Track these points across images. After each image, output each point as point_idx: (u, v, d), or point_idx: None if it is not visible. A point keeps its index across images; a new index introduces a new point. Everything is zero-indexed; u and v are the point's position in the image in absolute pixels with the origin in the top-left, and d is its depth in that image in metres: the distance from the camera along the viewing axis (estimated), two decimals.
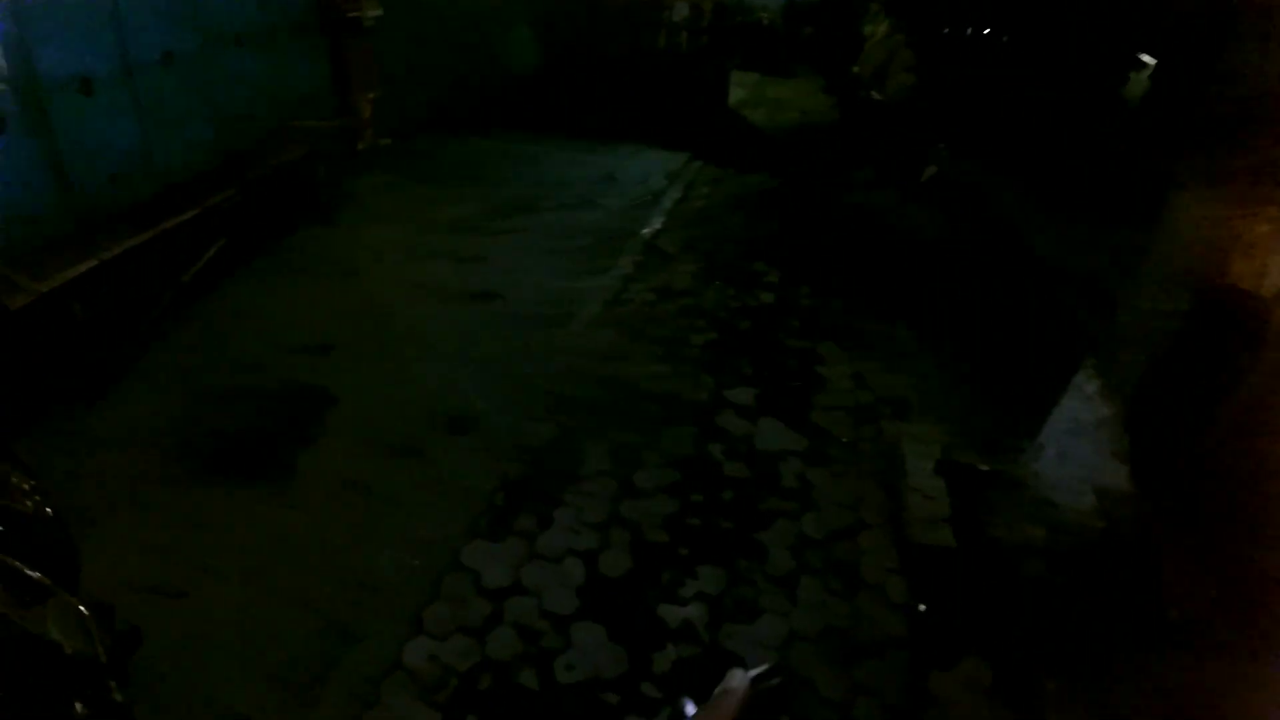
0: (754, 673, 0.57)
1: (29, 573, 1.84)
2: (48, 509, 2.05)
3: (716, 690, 0.55)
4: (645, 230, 4.50)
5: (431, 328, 3.43)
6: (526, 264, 4.06)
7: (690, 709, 0.55)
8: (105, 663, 1.92)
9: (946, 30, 5.71)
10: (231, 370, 3.11)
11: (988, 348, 3.40)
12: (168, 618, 2.15)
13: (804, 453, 2.86)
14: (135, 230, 2.92)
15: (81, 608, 1.90)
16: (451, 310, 3.58)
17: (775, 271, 4.19)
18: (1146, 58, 3.88)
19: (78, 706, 1.72)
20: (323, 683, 2.09)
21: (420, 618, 2.26)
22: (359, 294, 3.66)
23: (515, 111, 5.82)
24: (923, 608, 2.27)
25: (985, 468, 2.68)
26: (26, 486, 2.16)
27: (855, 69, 6.45)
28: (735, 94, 7.00)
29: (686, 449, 2.86)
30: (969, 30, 5.48)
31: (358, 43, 4.14)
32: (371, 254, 3.96)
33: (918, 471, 2.68)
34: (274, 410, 2.95)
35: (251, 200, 3.54)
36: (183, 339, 3.26)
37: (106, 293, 2.85)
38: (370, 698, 2.06)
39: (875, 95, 5.72)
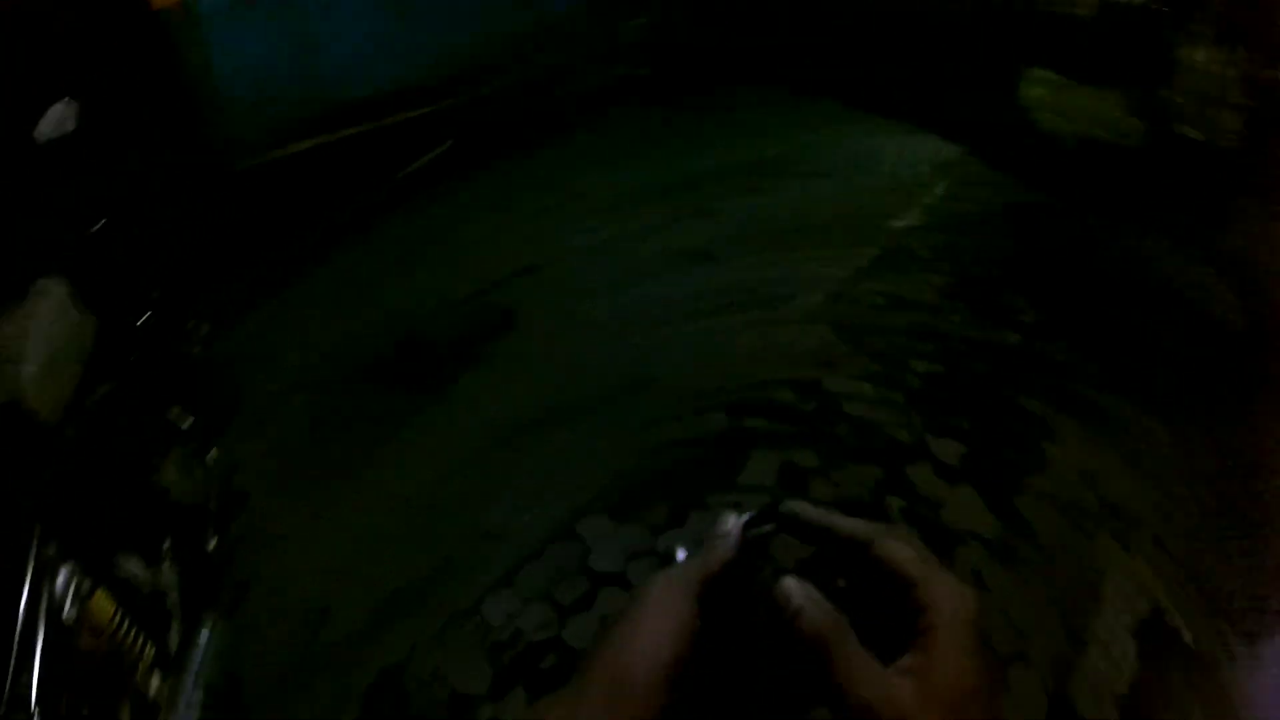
0: (746, 517, 0.54)
1: (170, 417, 1.97)
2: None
3: (706, 535, 0.50)
4: (896, 223, 3.96)
5: (632, 281, 3.27)
6: (752, 231, 3.73)
7: (681, 554, 0.51)
8: (210, 512, 2.04)
9: None
10: (417, 279, 3.18)
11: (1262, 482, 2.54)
12: (287, 505, 2.26)
13: (992, 541, 2.33)
14: (368, 118, 3.05)
15: (208, 457, 2.01)
16: (657, 265, 3.38)
17: (1033, 311, 3.48)
18: None
19: (165, 544, 1.83)
20: (399, 604, 2.09)
21: (515, 572, 2.21)
22: (567, 232, 3.57)
23: (777, 57, 5.36)
24: None
25: (1192, 645, 1.97)
26: (204, 331, 2.32)
27: (1167, 93, 5.10)
28: (1030, 90, 5.94)
29: (862, 492, 2.42)
30: None
31: None
32: (594, 192, 3.85)
33: (1112, 620, 2.06)
34: (446, 329, 2.98)
35: (488, 111, 3.55)
36: (386, 236, 3.38)
37: (325, 173, 3.03)
38: (434, 632, 2.01)
39: (1192, 132, 4.50)
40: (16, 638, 1.35)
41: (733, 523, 0.51)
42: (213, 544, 1.98)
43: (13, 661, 1.34)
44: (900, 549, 0.45)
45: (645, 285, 3.24)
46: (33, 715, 1.32)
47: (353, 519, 2.29)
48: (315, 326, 2.97)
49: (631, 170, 3.92)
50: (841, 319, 3.16)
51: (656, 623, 0.44)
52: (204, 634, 1.75)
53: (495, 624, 2.11)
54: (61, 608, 1.45)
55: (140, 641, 1.59)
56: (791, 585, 0.45)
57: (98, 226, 1.90)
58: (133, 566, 1.70)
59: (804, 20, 4.76)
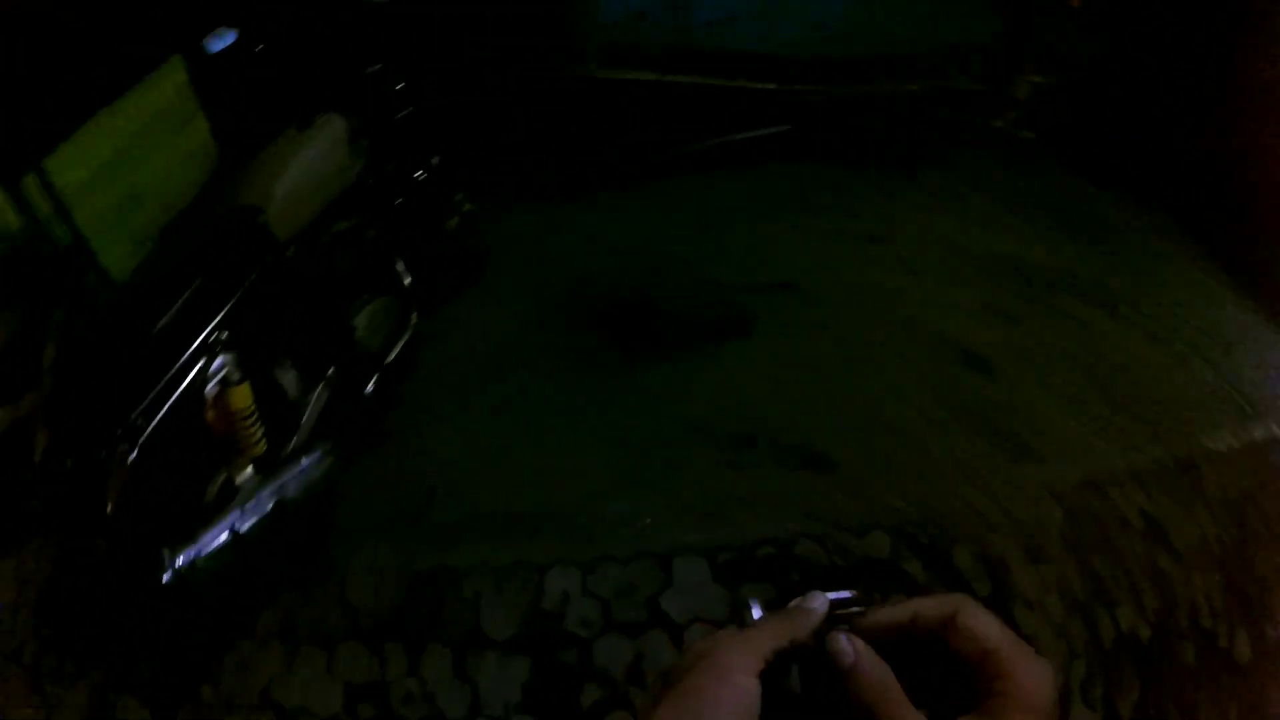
0: (834, 596, 0.49)
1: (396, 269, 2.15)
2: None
3: (792, 603, 0.48)
4: None
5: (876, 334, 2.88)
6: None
7: (757, 611, 0.47)
8: (384, 366, 2.22)
9: None
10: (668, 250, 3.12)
11: None
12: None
13: None
14: (719, 73, 2.98)
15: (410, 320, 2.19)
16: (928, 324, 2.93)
17: None
18: None
19: (329, 371, 2.04)
20: (488, 525, 2.19)
21: (594, 565, 2.14)
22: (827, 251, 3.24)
23: None
24: None
25: None
26: (466, 209, 2.49)
27: None
28: None
29: None
30: None
31: (1053, 20, 3.29)
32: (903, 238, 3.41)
33: None
34: (678, 309, 2.91)
35: (836, 108, 3.26)
36: (660, 198, 3.32)
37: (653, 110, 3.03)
38: (497, 566, 2.08)
39: None
40: (158, 388, 1.61)
41: (819, 600, 0.48)
42: (370, 389, 2.17)
43: (146, 403, 1.59)
44: (984, 618, 0.45)
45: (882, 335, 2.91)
46: (135, 448, 1.57)
47: (496, 451, 2.41)
48: (550, 259, 3.08)
49: (950, 231, 3.41)
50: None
51: (728, 695, 0.42)
52: (313, 459, 1.94)
53: (550, 593, 2.09)
54: (206, 383, 1.69)
55: (258, 438, 1.81)
56: (843, 642, 0.45)
57: (399, 85, 2.11)
58: (288, 380, 1.94)
59: None
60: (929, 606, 0.47)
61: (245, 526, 1.72)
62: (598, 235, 3.16)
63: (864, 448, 2.38)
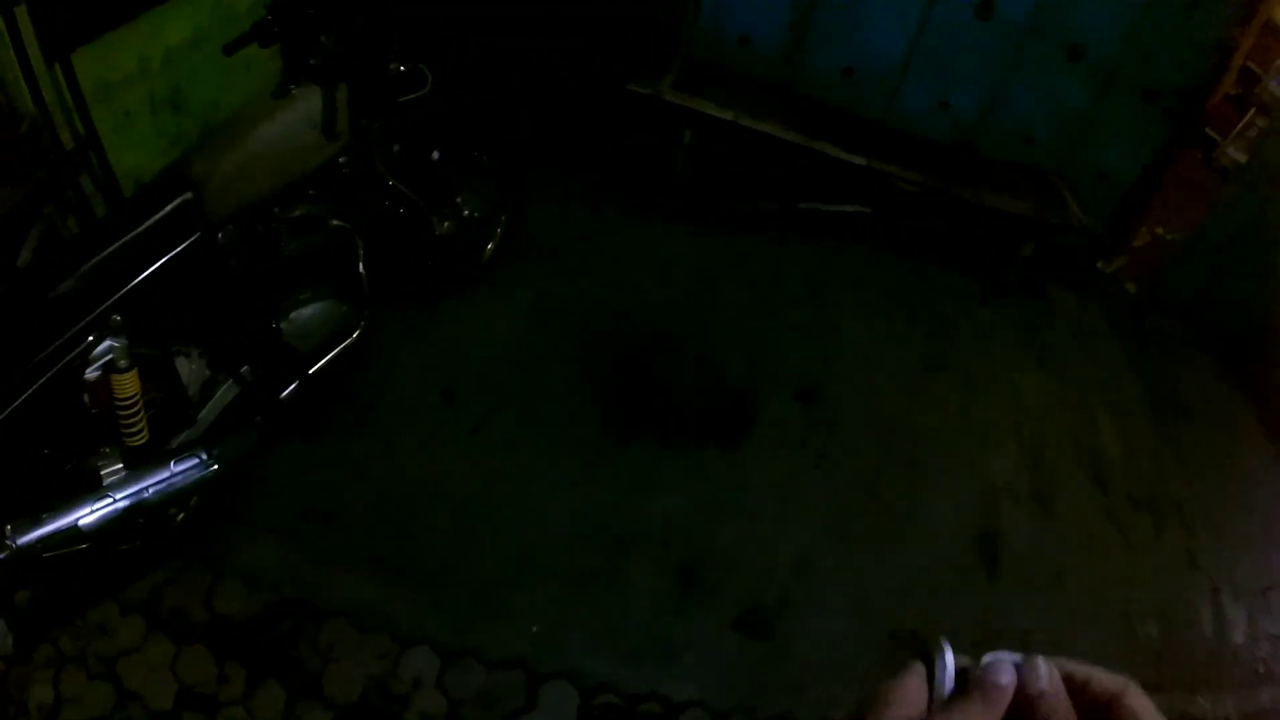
0: (1022, 660, 0.44)
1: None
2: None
3: (984, 678, 0.42)
4: None
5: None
6: None
7: (949, 671, 0.42)
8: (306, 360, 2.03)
9: None
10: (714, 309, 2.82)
11: None
12: None
13: None
14: (806, 130, 2.61)
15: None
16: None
17: None
18: None
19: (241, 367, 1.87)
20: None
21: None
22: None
23: None
24: None
25: None
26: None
27: None
28: None
29: None
30: None
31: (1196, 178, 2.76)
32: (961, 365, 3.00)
33: None
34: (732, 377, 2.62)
35: (929, 202, 2.84)
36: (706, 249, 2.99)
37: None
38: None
39: None
40: (38, 359, 1.46)
41: (1009, 676, 0.43)
42: (288, 393, 1.98)
43: (24, 372, 1.45)
44: (1148, 704, 0.44)
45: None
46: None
47: (424, 485, 2.23)
48: (565, 284, 2.82)
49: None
50: None
51: None
52: (187, 464, 1.77)
53: (403, 673, 1.91)
54: (87, 365, 1.54)
55: (138, 429, 1.66)
56: (1041, 666, 0.43)
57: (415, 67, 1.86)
58: (191, 370, 1.77)
59: None
60: (1102, 677, 0.45)
61: (88, 521, 1.59)
62: (623, 267, 2.89)
63: (821, 628, 2.07)
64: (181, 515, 1.93)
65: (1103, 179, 2.95)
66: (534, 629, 1.92)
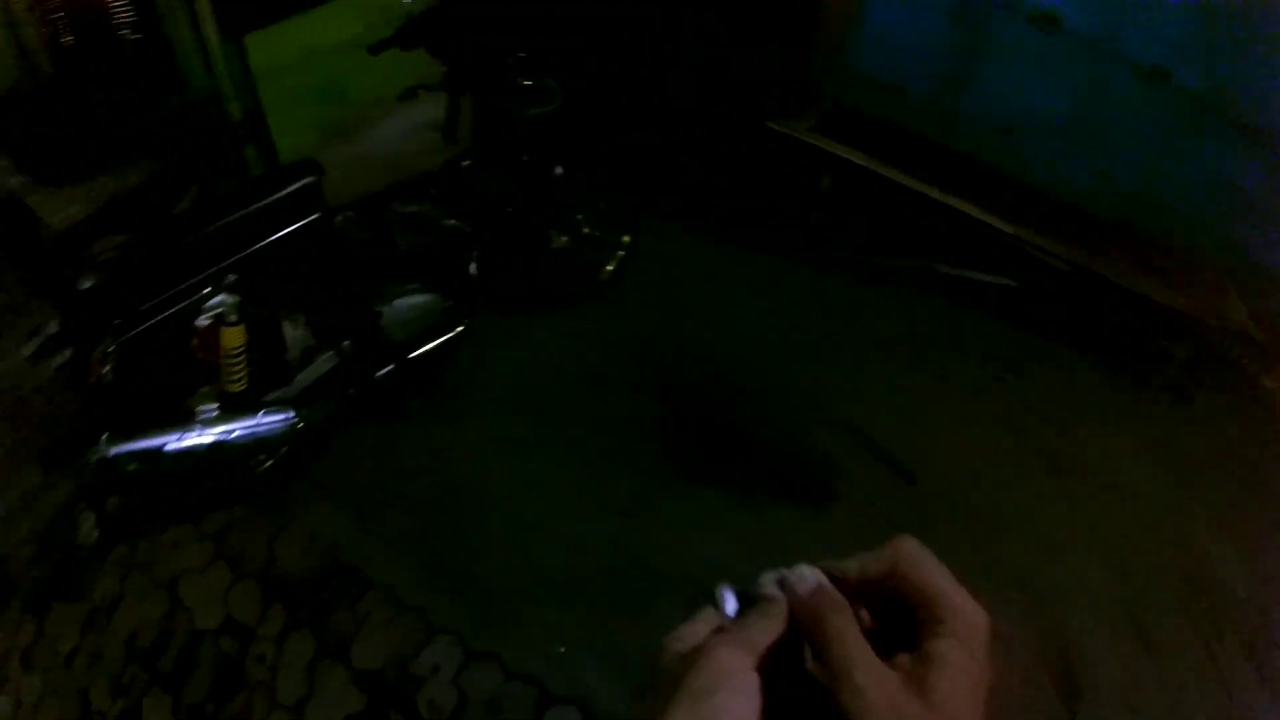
0: (786, 575, 0.46)
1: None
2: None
3: (761, 597, 0.44)
4: None
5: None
6: None
7: (730, 601, 0.44)
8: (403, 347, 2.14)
9: None
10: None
11: None
12: None
13: None
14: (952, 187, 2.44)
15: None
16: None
17: None
18: None
19: (343, 342, 1.98)
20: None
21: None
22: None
23: None
24: None
25: None
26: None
27: None
28: None
29: None
30: None
31: None
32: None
33: None
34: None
35: (1081, 285, 2.56)
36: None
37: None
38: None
39: None
40: (164, 296, 1.64)
41: (773, 590, 0.46)
42: (383, 374, 2.10)
43: (152, 304, 1.63)
44: (925, 564, 0.45)
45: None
46: (109, 357, 1.63)
47: (486, 484, 2.28)
48: (665, 317, 2.78)
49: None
50: None
51: (739, 705, 0.41)
52: (281, 417, 1.92)
53: (425, 657, 1.96)
54: (200, 313, 1.70)
55: (238, 377, 1.82)
56: (804, 569, 0.46)
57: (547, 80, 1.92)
58: (294, 335, 1.92)
59: None
60: (870, 560, 0.46)
61: (174, 447, 1.75)
62: (737, 303, 2.82)
63: None
64: (269, 463, 2.09)
65: (1278, 285, 2.54)
66: (560, 649, 1.91)
